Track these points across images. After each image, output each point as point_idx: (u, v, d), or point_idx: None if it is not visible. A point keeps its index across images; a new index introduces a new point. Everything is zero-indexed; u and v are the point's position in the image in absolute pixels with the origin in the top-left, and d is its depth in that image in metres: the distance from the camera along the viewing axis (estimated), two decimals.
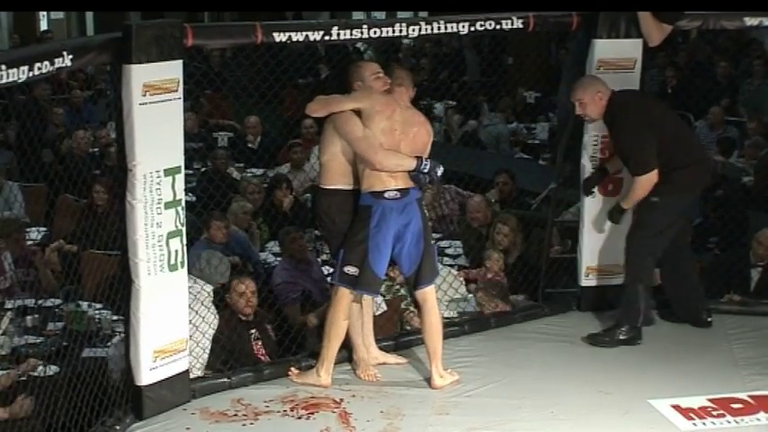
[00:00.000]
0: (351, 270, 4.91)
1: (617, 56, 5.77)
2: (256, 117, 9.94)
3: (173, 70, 4.53)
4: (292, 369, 5.18)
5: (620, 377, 5.19)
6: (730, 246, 6.96)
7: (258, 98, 6.76)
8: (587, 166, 5.89)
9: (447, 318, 5.87)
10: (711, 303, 6.19)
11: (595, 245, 5.95)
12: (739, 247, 6.70)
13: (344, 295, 4.99)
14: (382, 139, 4.87)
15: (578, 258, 6.05)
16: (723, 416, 4.78)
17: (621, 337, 5.55)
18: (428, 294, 5.07)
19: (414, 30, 5.37)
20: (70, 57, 4.07)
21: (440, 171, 5.01)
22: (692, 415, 4.78)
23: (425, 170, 4.94)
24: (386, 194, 4.84)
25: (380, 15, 18.89)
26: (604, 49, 5.76)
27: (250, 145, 9.89)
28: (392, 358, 5.42)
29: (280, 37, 4.89)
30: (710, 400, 4.90)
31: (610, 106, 5.46)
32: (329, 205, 5.09)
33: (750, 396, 4.94)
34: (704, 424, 4.70)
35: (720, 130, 9.86)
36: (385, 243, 4.88)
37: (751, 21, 5.99)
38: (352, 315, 5.15)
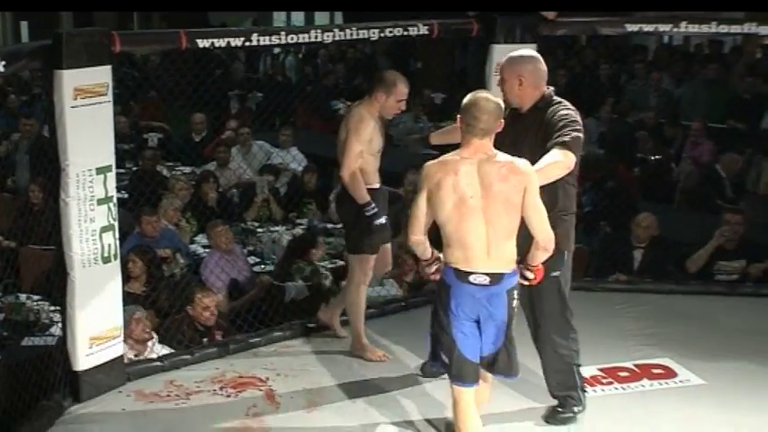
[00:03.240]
0: (444, 358, 3.89)
1: None
2: (202, 114, 9.76)
3: (102, 75, 4.45)
4: None
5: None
6: (617, 230, 7.11)
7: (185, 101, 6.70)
8: None
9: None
10: (601, 282, 6.34)
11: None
12: (624, 231, 6.84)
13: (458, 392, 3.89)
14: (459, 222, 3.71)
15: None
16: (612, 383, 4.89)
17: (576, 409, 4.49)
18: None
19: (328, 36, 5.35)
20: (3, 63, 4.01)
21: (378, 221, 4.89)
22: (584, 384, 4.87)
23: (367, 213, 4.86)
24: (471, 278, 3.75)
25: (300, 21, 18.90)
26: (502, 52, 5.79)
27: (197, 139, 9.76)
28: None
29: (203, 43, 4.83)
30: (601, 370, 4.99)
31: (542, 101, 4.24)
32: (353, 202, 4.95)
33: (635, 365, 5.06)
34: (595, 391, 4.78)
35: (605, 128, 10.05)
36: (470, 328, 3.81)
37: (632, 27, 6.11)
38: (358, 306, 5.10)
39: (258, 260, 7.04)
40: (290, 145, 9.23)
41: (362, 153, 4.86)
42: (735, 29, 6.36)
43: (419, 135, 4.90)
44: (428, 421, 4.48)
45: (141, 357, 5.13)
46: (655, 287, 6.26)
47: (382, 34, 5.50)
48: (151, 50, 5.63)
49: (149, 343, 5.25)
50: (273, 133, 9.51)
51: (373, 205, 4.89)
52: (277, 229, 7.51)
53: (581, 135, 4.07)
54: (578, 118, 4.18)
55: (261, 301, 6.03)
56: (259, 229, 7.54)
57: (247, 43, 5.01)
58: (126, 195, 7.23)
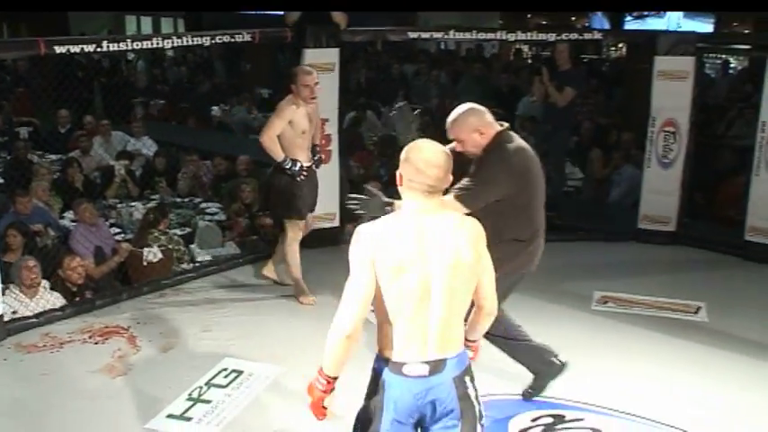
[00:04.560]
0: None
1: (321, 60, 5.85)
2: (66, 110, 9.19)
3: None
4: None
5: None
6: None
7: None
8: None
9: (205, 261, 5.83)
10: None
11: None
12: None
13: None
14: (403, 298, 2.39)
15: None
16: None
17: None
18: None
19: (168, 42, 5.21)
20: None
21: (297, 166, 4.88)
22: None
23: (287, 166, 4.82)
24: (404, 369, 2.40)
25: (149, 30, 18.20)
26: (312, 55, 5.83)
27: (62, 131, 9.20)
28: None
29: (60, 49, 4.60)
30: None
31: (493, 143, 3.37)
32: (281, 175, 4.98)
33: None
34: None
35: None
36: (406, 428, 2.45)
37: (413, 35, 6.24)
38: (294, 259, 5.06)
39: (119, 231, 6.82)
40: (143, 134, 8.98)
41: (284, 131, 4.86)
42: (490, 36, 6.61)
43: (389, 207, 3.33)
44: (269, 350, 4.47)
45: (32, 306, 4.90)
46: None
47: (213, 40, 5.41)
48: (16, 56, 5.28)
49: (41, 288, 5.00)
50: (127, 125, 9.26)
51: (288, 159, 4.90)
52: (134, 204, 7.33)
53: (484, 188, 3.29)
54: (496, 168, 3.33)
55: (123, 264, 5.87)
56: (119, 205, 7.33)
57: (99, 49, 4.82)
58: (1, 181, 6.88)
